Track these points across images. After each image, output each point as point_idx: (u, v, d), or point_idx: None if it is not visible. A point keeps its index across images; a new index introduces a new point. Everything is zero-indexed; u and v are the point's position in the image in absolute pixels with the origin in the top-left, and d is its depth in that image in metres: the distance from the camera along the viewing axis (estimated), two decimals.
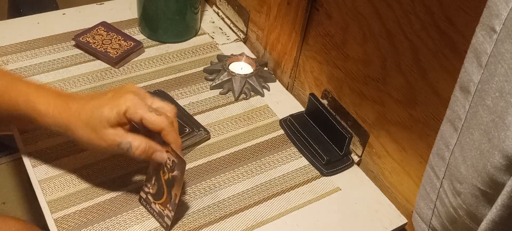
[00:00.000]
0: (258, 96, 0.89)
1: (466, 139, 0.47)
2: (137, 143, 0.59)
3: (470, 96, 0.46)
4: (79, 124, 0.60)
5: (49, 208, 0.66)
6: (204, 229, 0.66)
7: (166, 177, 0.63)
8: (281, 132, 0.83)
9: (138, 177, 0.72)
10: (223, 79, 0.88)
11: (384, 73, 0.71)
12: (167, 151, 0.62)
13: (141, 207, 0.67)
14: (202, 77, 0.91)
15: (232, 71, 0.89)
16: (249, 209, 0.70)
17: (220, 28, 1.05)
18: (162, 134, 0.61)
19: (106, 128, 0.59)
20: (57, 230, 0.64)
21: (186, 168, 0.65)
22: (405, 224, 0.73)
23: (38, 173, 0.70)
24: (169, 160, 0.62)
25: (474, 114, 0.46)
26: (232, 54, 0.93)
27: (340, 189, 0.75)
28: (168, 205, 0.64)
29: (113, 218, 0.66)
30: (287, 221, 0.69)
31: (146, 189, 0.66)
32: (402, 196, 0.74)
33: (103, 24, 0.97)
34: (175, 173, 0.62)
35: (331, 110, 0.81)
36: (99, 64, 0.90)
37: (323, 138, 0.80)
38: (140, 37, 0.98)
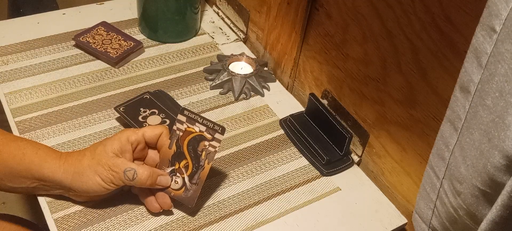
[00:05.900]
0: (258, 96, 0.89)
1: (466, 139, 0.47)
2: (141, 169, 0.63)
3: (470, 96, 0.46)
4: (84, 166, 0.62)
5: (49, 208, 0.66)
6: (204, 229, 0.66)
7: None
8: (281, 131, 0.83)
9: None
10: (223, 79, 0.88)
11: (384, 73, 0.71)
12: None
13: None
14: (202, 77, 0.91)
15: (232, 71, 0.89)
16: (249, 209, 0.70)
17: (220, 28, 1.05)
18: (163, 134, 0.66)
19: (111, 157, 0.62)
20: (57, 230, 0.64)
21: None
22: (405, 224, 0.73)
23: None
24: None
25: (474, 114, 0.46)
26: (232, 54, 0.93)
27: (340, 189, 0.75)
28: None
29: (113, 218, 0.66)
30: (287, 221, 0.69)
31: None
32: (402, 196, 0.74)
33: (103, 24, 0.97)
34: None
35: (331, 110, 0.81)
36: (99, 64, 0.90)
37: (323, 138, 0.80)
38: (140, 37, 0.98)
